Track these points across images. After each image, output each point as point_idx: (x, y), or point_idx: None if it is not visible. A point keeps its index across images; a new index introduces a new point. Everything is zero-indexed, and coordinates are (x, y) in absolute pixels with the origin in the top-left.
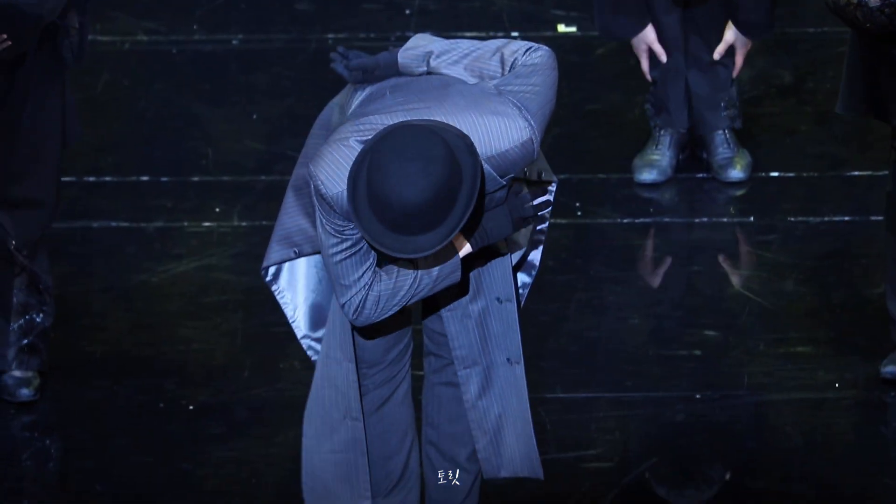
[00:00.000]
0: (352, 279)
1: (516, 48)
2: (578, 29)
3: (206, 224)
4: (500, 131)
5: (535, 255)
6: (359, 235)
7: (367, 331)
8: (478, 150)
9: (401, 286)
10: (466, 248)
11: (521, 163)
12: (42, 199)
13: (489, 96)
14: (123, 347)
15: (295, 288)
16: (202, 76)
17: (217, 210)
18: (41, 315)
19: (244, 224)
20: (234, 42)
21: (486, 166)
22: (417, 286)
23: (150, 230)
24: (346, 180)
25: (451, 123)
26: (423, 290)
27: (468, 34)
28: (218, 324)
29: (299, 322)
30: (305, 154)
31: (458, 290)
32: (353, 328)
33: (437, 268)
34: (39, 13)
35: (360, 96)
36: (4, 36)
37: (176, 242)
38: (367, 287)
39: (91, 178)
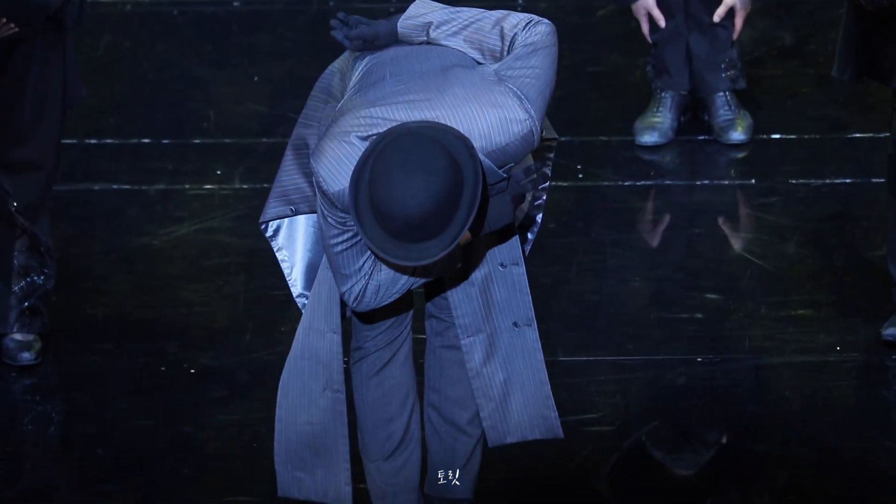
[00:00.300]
0: (353, 269)
1: (516, 21)
2: None
3: (208, 186)
4: (500, 125)
5: (538, 213)
6: None
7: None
8: (478, 145)
9: (401, 275)
10: (467, 236)
11: (521, 154)
12: (43, 162)
13: (489, 85)
14: (125, 310)
15: (293, 246)
16: (204, 38)
17: (219, 172)
18: (42, 277)
19: (245, 187)
20: (236, 3)
21: (486, 161)
22: (416, 276)
23: (152, 192)
24: (347, 178)
25: (452, 118)
26: (423, 279)
27: None
28: (219, 287)
29: (296, 280)
30: (305, 115)
31: (462, 266)
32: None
33: None
34: (47, 2)
35: (360, 67)
36: (12, 25)
37: (177, 205)
38: (367, 276)
39: (92, 141)
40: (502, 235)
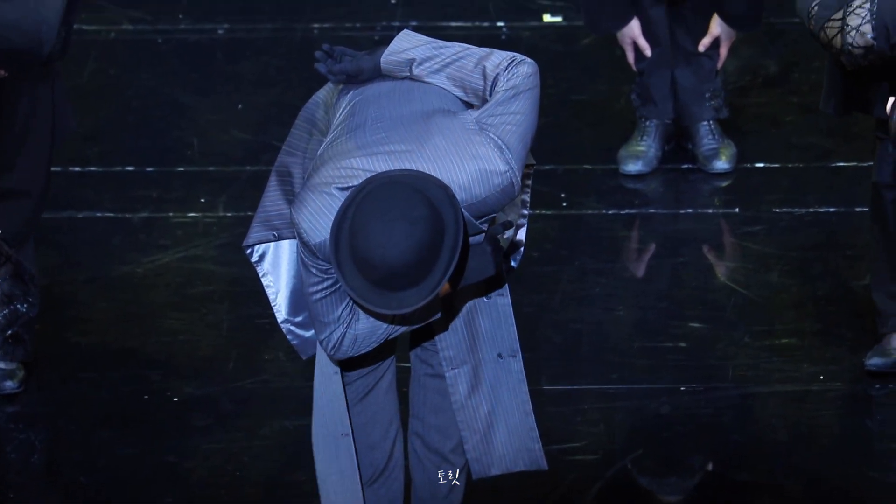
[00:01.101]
0: (331, 317)
1: (498, 61)
2: (564, 19)
3: (192, 214)
4: (480, 178)
5: (521, 235)
6: None
7: None
8: (458, 197)
9: (379, 325)
10: (446, 287)
11: (501, 205)
12: (30, 191)
13: (469, 135)
14: (108, 338)
15: (278, 272)
16: (188, 65)
17: (203, 200)
18: (26, 305)
19: (229, 214)
20: (220, 31)
21: (465, 214)
22: (395, 326)
23: (136, 220)
24: (328, 229)
25: (432, 171)
26: (401, 328)
27: (454, 24)
28: (203, 315)
29: (280, 306)
30: (289, 143)
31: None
32: None
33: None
34: (41, 53)
35: (344, 102)
36: (3, 72)
37: (161, 233)
38: (345, 324)
39: (76, 168)
40: (489, 284)
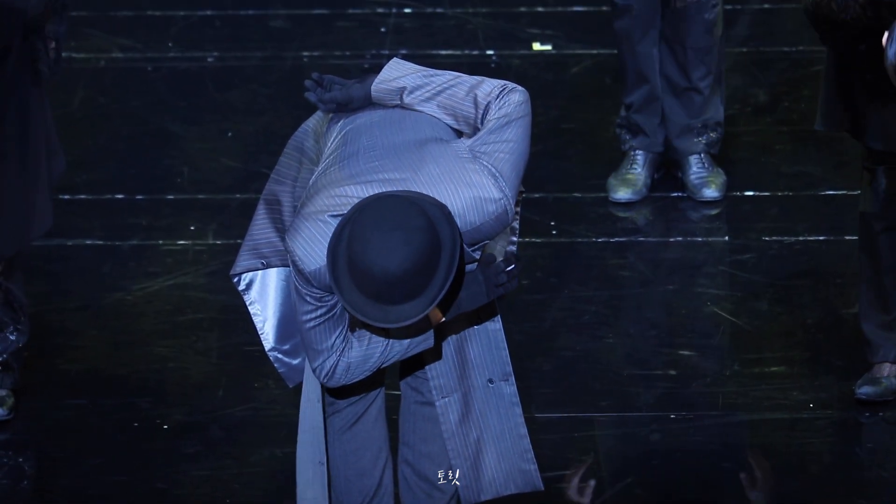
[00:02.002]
0: (324, 345)
1: (490, 89)
2: (554, 47)
3: (182, 242)
4: (474, 205)
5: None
6: (333, 302)
7: None
8: None
9: (371, 353)
10: (439, 316)
11: (494, 233)
12: (21, 212)
13: (463, 163)
14: (98, 366)
15: (266, 300)
16: (177, 94)
17: (192, 228)
18: (16, 334)
19: (219, 242)
20: (210, 59)
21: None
22: (388, 353)
23: (125, 248)
24: (323, 256)
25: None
26: (394, 356)
27: (443, 52)
28: (193, 342)
29: (268, 335)
30: (278, 171)
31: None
32: None
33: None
34: (24, 7)
35: (335, 132)
36: None
37: (151, 260)
38: (338, 352)
39: (66, 196)
40: (480, 312)
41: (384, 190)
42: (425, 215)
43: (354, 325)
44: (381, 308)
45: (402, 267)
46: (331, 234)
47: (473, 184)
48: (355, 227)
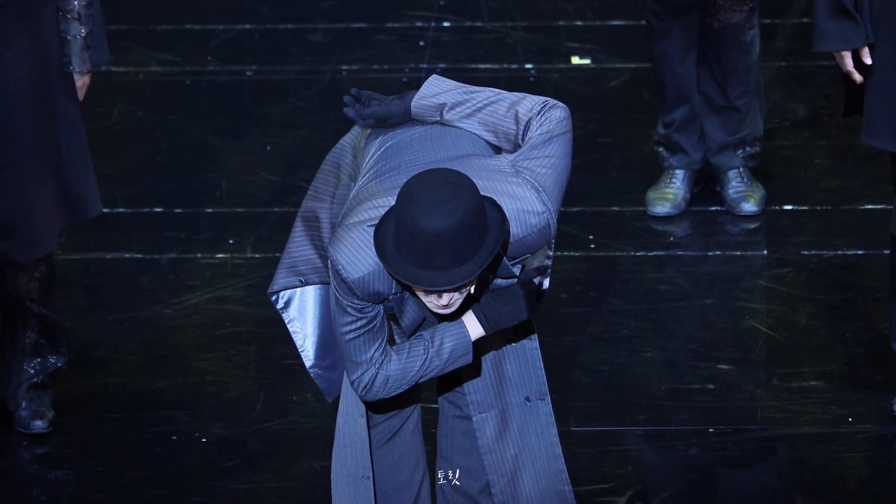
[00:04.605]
0: (363, 357)
1: (531, 105)
2: (592, 61)
3: (220, 256)
4: (517, 218)
5: (545, 281)
6: (374, 313)
7: None
8: None
9: (410, 367)
10: (479, 331)
11: (537, 246)
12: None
13: (506, 177)
14: (136, 379)
15: (305, 317)
16: (216, 107)
17: (231, 242)
18: (55, 356)
19: (258, 256)
20: (249, 73)
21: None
22: (427, 367)
23: (164, 262)
24: (366, 265)
25: None
26: (433, 370)
27: (482, 66)
28: (231, 356)
29: (308, 351)
30: (315, 188)
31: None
32: None
33: (448, 348)
34: None
35: (373, 147)
36: None
37: (189, 274)
38: (377, 365)
39: (105, 210)
40: (517, 329)
41: None
42: (475, 190)
43: (392, 339)
44: (423, 273)
45: (450, 221)
46: (373, 244)
47: (516, 196)
48: (404, 189)
